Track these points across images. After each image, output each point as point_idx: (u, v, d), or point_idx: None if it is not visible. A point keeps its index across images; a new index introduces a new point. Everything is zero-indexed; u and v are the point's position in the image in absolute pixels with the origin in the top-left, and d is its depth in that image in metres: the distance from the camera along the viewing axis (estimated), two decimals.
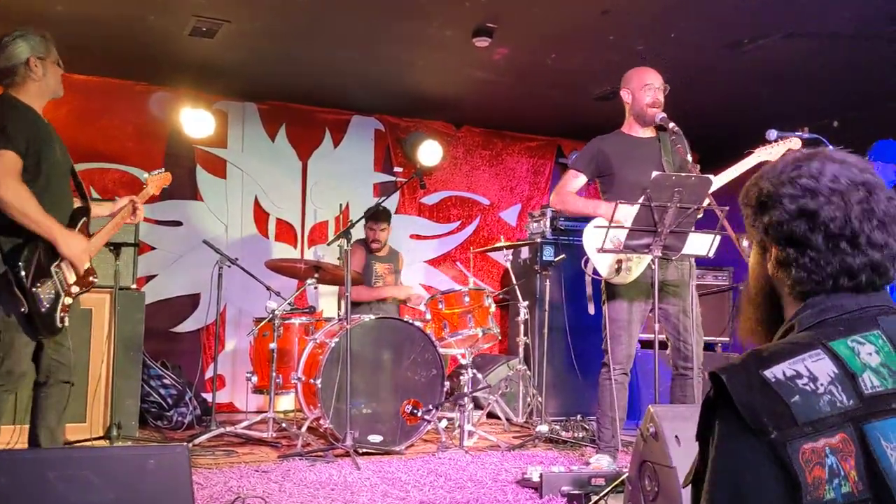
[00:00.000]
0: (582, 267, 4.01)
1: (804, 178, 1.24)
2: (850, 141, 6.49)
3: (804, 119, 6.68)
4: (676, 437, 2.53)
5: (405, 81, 6.06)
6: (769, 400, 1.11)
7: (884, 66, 5.42)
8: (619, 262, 3.73)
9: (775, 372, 1.13)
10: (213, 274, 4.98)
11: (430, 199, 7.09)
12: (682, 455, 2.50)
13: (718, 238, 3.56)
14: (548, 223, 6.35)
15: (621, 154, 3.89)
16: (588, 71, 5.66)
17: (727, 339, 6.41)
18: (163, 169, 3.74)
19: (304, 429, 4.62)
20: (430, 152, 6.69)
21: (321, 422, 4.54)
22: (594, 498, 3.16)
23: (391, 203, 6.63)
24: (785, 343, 1.20)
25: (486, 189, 7.31)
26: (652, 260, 3.54)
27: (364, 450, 4.41)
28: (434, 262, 7.09)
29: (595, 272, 3.86)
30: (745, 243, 3.52)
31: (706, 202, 3.50)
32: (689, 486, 1.24)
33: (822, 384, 1.12)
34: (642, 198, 3.35)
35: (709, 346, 6.40)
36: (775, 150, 3.82)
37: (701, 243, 3.50)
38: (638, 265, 3.71)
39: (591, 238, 3.75)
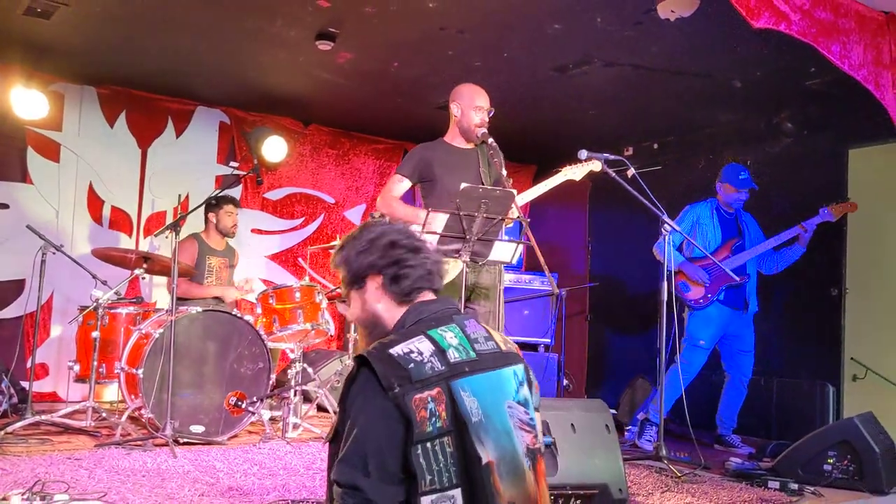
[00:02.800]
0: None
1: (372, 230, 1.95)
2: (668, 161, 7.09)
3: (629, 140, 7.27)
4: None
5: (252, 76, 6.10)
6: (395, 368, 1.68)
7: (693, 97, 5.97)
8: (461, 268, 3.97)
9: (397, 350, 1.71)
10: (37, 260, 4.87)
11: (275, 195, 7.15)
12: None
13: (521, 247, 3.87)
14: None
15: (443, 163, 4.12)
16: (429, 81, 5.92)
17: (548, 340, 6.85)
18: None
19: (124, 418, 4.61)
20: (274, 148, 6.76)
21: (142, 411, 4.56)
22: None
23: (234, 196, 6.66)
24: (399, 334, 1.80)
25: (331, 188, 7.44)
26: (465, 264, 3.82)
27: (185, 440, 4.46)
28: (275, 258, 7.16)
29: None
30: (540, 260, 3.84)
31: (515, 213, 3.80)
32: (329, 443, 1.79)
33: (426, 357, 1.71)
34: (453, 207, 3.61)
35: (532, 346, 6.83)
36: (578, 170, 4.19)
37: (505, 251, 3.79)
38: (454, 268, 3.97)
39: None
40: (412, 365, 1.68)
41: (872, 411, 4.43)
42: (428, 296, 1.91)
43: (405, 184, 4.17)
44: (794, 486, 3.88)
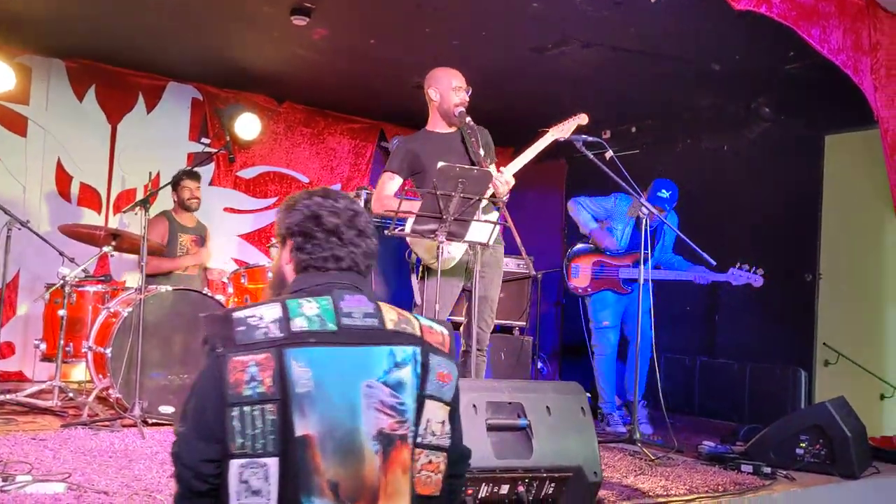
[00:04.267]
0: (406, 258, 4.20)
1: (316, 198, 1.85)
2: (645, 144, 7.07)
3: (606, 123, 7.23)
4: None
5: (225, 52, 5.98)
6: (224, 329, 1.65)
7: (671, 80, 5.95)
8: (440, 247, 3.92)
9: (240, 314, 1.67)
10: (2, 236, 4.75)
11: (247, 174, 7.04)
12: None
13: (498, 227, 3.83)
14: (361, 204, 6.47)
15: (429, 151, 4.05)
16: (407, 60, 5.83)
17: (524, 322, 6.82)
18: None
19: (91, 398, 4.52)
20: (247, 125, 6.64)
21: (110, 391, 4.47)
22: None
23: (206, 174, 6.56)
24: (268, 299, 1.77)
25: (305, 167, 7.34)
26: (470, 245, 3.79)
27: (154, 420, 4.39)
28: (248, 237, 7.06)
29: (418, 259, 4.06)
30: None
31: (489, 193, 3.75)
32: None
33: (265, 322, 1.66)
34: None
35: (507, 329, 6.80)
36: (565, 127, 4.14)
37: (482, 231, 3.74)
38: (458, 249, 3.92)
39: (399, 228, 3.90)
40: (242, 328, 1.65)
41: (844, 396, 4.46)
42: (331, 274, 1.83)
43: (396, 180, 4.12)
44: (767, 470, 3.89)
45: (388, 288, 6.26)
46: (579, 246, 5.68)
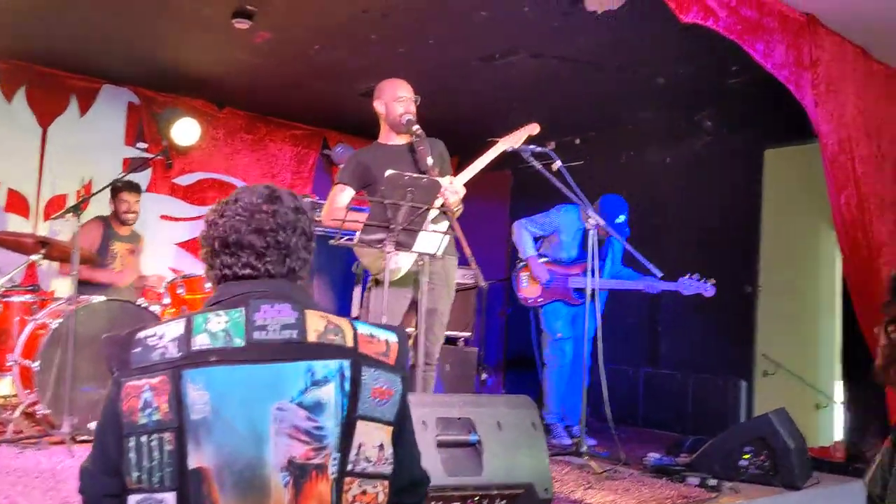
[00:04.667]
0: (353, 270, 4.09)
1: (226, 205, 1.70)
2: (590, 156, 7.10)
3: (551, 135, 7.24)
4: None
5: (164, 55, 5.79)
6: (122, 351, 1.50)
7: (617, 93, 5.98)
8: (387, 257, 3.83)
9: (142, 333, 1.52)
10: None
11: (185, 180, 6.84)
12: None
13: (447, 238, 3.76)
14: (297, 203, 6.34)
15: (379, 163, 3.97)
16: (352, 66, 5.73)
17: (469, 333, 6.77)
18: None
19: (16, 414, 4.28)
20: (186, 131, 6.45)
21: (37, 407, 4.25)
22: None
23: (142, 180, 6.33)
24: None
25: (246, 174, 7.16)
26: (419, 255, 3.71)
27: (84, 438, 4.18)
28: (185, 245, 6.85)
29: (366, 270, 3.96)
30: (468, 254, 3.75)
31: (439, 203, 3.68)
32: None
33: (164, 342, 1.50)
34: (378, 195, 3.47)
35: (452, 340, 6.73)
36: (516, 137, 4.10)
37: (431, 242, 3.67)
38: (406, 260, 3.83)
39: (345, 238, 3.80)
40: (138, 349, 1.49)
41: (785, 408, 4.51)
42: (250, 283, 1.65)
43: (348, 192, 4.04)
44: (713, 482, 3.90)
45: (336, 299, 6.15)
46: (525, 253, 5.61)
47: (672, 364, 6.03)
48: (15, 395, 4.74)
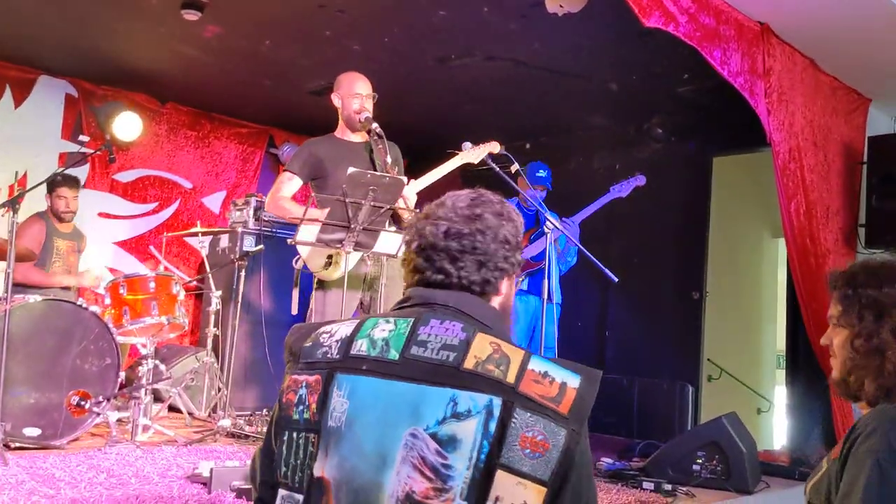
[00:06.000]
0: (293, 265, 3.97)
1: (432, 209, 1.58)
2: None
3: (502, 138, 7.20)
4: None
5: (105, 46, 5.56)
6: (297, 342, 1.49)
7: (569, 98, 5.99)
8: (330, 257, 3.73)
9: (323, 328, 1.50)
10: None
11: (125, 177, 6.58)
12: None
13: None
14: (251, 213, 6.19)
15: (334, 157, 3.89)
16: (303, 64, 5.60)
17: None
18: None
19: None
20: (126, 125, 6.21)
21: None
22: None
23: (80, 175, 6.07)
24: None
25: (189, 172, 6.94)
26: (364, 255, 3.61)
27: (17, 444, 3.96)
28: (124, 244, 6.60)
29: (305, 267, 3.85)
30: None
31: (401, 203, 3.61)
32: None
33: (331, 340, 1.46)
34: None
35: None
36: (476, 153, 4.05)
37: (391, 242, 3.59)
38: (350, 261, 3.73)
39: (301, 236, 3.70)
40: (310, 344, 1.47)
41: (735, 412, 4.56)
42: (430, 292, 1.51)
43: (295, 182, 3.92)
44: (668, 487, 3.91)
45: (274, 299, 5.99)
46: None
47: (618, 368, 6.04)
48: None
